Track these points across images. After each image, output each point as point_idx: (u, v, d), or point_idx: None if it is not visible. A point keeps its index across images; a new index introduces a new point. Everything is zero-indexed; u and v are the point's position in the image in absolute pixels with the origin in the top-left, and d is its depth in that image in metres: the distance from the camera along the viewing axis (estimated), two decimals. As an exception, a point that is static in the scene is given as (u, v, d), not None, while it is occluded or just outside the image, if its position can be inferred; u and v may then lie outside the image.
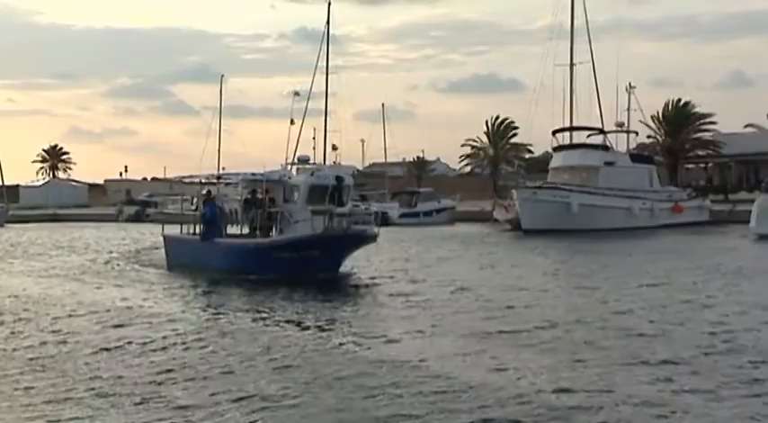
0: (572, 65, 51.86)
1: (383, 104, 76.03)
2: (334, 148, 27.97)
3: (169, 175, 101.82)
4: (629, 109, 54.81)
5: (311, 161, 23.24)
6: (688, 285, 18.03)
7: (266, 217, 21.39)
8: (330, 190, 20.83)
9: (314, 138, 27.39)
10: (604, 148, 49.07)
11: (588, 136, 50.89)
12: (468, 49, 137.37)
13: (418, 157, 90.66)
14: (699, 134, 67.72)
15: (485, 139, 78.66)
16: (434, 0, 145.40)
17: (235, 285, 18.75)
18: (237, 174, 25.20)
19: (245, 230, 22.72)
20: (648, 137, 65.77)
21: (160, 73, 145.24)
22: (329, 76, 61.13)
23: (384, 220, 33.80)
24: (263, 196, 22.06)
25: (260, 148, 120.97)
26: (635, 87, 55.61)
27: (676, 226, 43.91)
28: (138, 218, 65.55)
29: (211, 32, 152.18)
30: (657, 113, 67.19)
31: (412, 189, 64.98)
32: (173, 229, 25.89)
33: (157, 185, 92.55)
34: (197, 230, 23.23)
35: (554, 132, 50.35)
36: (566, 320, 13.22)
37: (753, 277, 19.66)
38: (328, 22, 61.81)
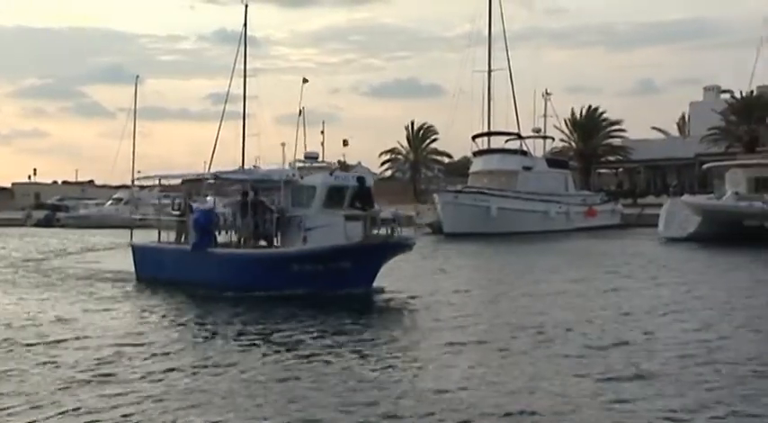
0: (489, 71, 53.16)
1: (303, 108, 75.45)
2: (345, 143, 24.15)
3: (82, 178, 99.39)
4: (545, 115, 56.48)
5: (320, 159, 19.68)
6: (604, 286, 18.65)
7: (270, 223, 18.22)
8: (350, 192, 17.99)
9: (322, 132, 21.68)
10: (522, 153, 50.29)
11: (506, 141, 52.11)
12: (389, 55, 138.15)
13: (339, 161, 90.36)
14: (609, 140, 70.38)
15: (405, 143, 79.42)
16: (355, 5, 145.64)
17: (242, 304, 15.68)
18: (235, 171, 21.92)
19: (234, 239, 19.38)
20: (561, 140, 67.90)
21: (73, 73, 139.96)
22: (249, 79, 60.60)
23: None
24: (257, 199, 18.80)
25: (178, 150, 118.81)
26: (551, 94, 57.34)
27: (590, 229, 45.43)
28: (48, 222, 63.23)
29: (127, 33, 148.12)
30: (570, 119, 69.48)
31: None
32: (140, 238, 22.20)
33: (68, 189, 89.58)
34: (183, 239, 19.74)
35: (473, 137, 51.34)
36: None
37: (662, 280, 20.51)
38: (245, 25, 61.20)
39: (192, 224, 18.96)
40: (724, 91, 69.77)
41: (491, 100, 52.78)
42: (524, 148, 51.09)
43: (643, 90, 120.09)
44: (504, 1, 56.76)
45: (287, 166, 20.05)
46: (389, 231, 17.41)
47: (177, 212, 20.65)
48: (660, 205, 40.73)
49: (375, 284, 17.48)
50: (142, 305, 16.20)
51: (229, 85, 62.06)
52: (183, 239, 19.86)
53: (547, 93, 57.19)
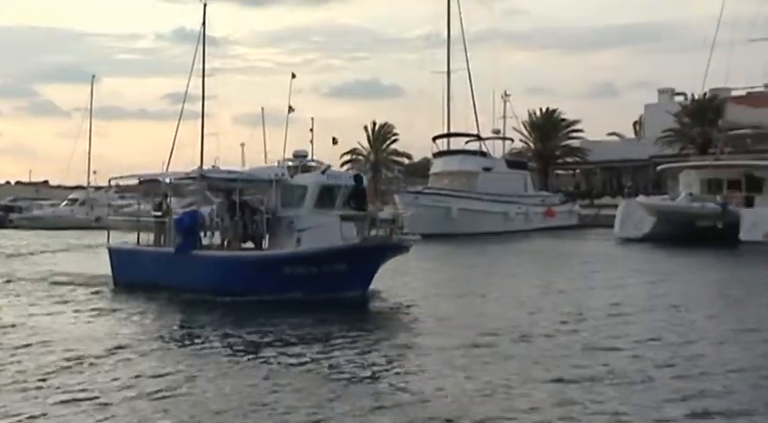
0: (449, 73, 53.51)
1: (263, 108, 75.26)
2: (335, 141, 21.71)
3: (36, 179, 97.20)
4: (504, 116, 57.07)
5: (309, 158, 18.83)
6: (564, 285, 18.97)
7: (260, 224, 17.54)
8: (344, 192, 17.37)
9: (311, 129, 20.58)
10: (482, 154, 50.70)
11: (466, 142, 52.48)
12: (350, 55, 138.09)
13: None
14: (567, 141, 71.33)
15: (366, 144, 79.46)
16: (315, 5, 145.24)
17: (228, 309, 15.26)
18: (221, 171, 21.22)
19: (218, 241, 18.55)
20: (520, 141, 68.63)
21: (27, 72, 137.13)
22: (207, 79, 60.06)
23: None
24: (242, 199, 18.12)
25: (135, 150, 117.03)
26: (510, 95, 57.93)
27: (549, 229, 46.01)
28: (0, 224, 61.71)
29: (84, 31, 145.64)
30: (528, 121, 70.26)
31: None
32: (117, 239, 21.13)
33: (22, 189, 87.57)
34: (164, 241, 18.83)
35: (434, 138, 51.58)
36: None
37: (621, 281, 21.03)
38: (204, 23, 60.72)
39: (175, 225, 18.08)
40: (678, 93, 71.23)
41: (450, 101, 53.19)
42: (484, 150, 51.52)
43: (600, 92, 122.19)
44: (463, 2, 57.12)
45: (275, 165, 19.40)
46: (388, 232, 16.71)
47: (159, 213, 19.64)
48: (616, 206, 41.43)
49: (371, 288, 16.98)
50: (121, 310, 15.54)
51: (188, 85, 61.53)
52: (162, 241, 19.02)
53: (506, 94, 57.84)
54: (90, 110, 67.93)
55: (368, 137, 79.39)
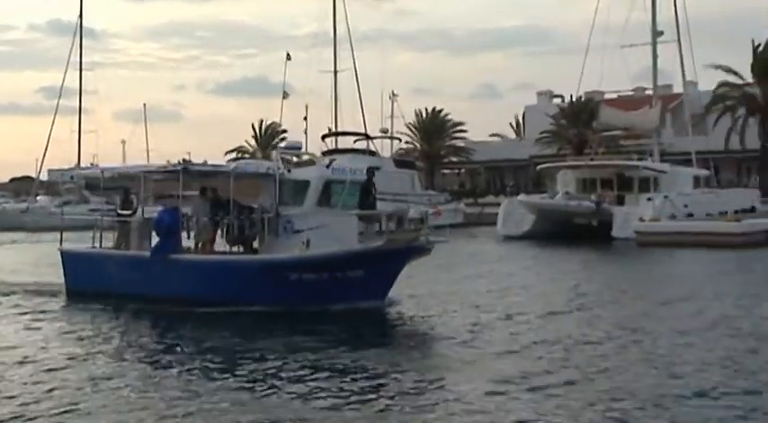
0: (336, 72, 53.81)
1: (144, 104, 73.17)
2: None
3: None
4: (392, 116, 57.92)
5: (303, 150, 16.86)
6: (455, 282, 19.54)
7: (253, 225, 15.52)
8: (353, 189, 15.60)
9: (305, 118, 18.88)
10: (371, 153, 51.22)
11: (355, 141, 52.89)
12: (237, 52, 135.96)
13: (184, 160, 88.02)
14: (452, 141, 73.12)
15: (253, 142, 78.61)
16: (200, 0, 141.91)
17: (216, 322, 13.53)
18: (208, 165, 17.96)
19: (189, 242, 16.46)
20: (407, 142, 69.78)
21: None
22: (86, 73, 57.73)
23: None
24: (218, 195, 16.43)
25: (7, 146, 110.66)
26: (397, 95, 58.89)
27: (436, 228, 46.92)
28: None
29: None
30: (415, 121, 71.57)
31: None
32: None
33: None
34: (128, 243, 16.84)
35: (322, 137, 51.71)
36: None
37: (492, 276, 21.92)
38: (81, 15, 58.37)
39: (154, 225, 16.02)
40: (556, 96, 74.37)
41: (338, 100, 53.51)
42: (373, 149, 52.08)
43: (484, 93, 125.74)
44: (351, 1, 57.52)
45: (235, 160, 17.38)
46: (414, 232, 15.03)
47: (128, 212, 17.67)
48: (499, 204, 42.84)
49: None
50: (77, 328, 13.40)
51: (63, 79, 58.97)
52: (126, 244, 16.93)
53: (393, 94, 58.77)
54: (-45, 104, 64.00)
55: (255, 135, 78.60)
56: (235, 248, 16.15)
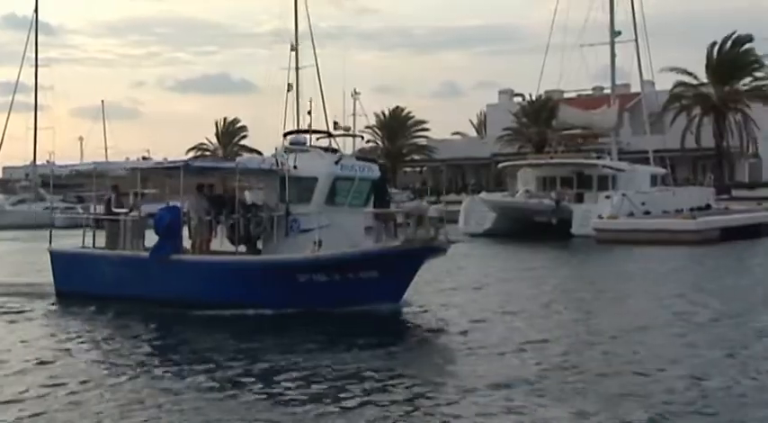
0: (297, 69, 53.62)
1: (102, 101, 72.15)
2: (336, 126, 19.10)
3: None
4: (354, 114, 57.91)
5: (307, 145, 16.50)
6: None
7: (258, 224, 14.85)
8: (363, 186, 15.09)
9: (309, 112, 18.04)
10: (334, 151, 51.09)
11: (317, 139, 52.67)
12: (197, 49, 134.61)
13: (143, 157, 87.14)
14: (414, 140, 73.45)
15: (214, 140, 78.02)
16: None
17: (222, 325, 12.99)
18: (212, 161, 17.90)
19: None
20: (368, 141, 69.93)
21: None
22: (41, 69, 56.74)
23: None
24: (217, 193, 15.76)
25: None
26: (360, 93, 58.83)
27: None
28: None
29: None
30: (377, 119, 71.78)
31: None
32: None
33: None
34: (121, 242, 16.00)
35: (285, 134, 51.35)
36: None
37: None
38: (36, 10, 57.32)
39: (154, 224, 15.20)
40: (517, 94, 75.07)
41: (299, 97, 53.31)
42: (335, 146, 51.98)
43: (446, 92, 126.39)
44: (313, -1, 57.29)
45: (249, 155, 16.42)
46: (433, 231, 14.22)
47: (125, 210, 17.00)
48: (461, 202, 43.13)
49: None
50: (70, 332, 12.85)
51: (19, 75, 57.99)
52: (118, 244, 16.14)
53: (356, 92, 58.74)
54: None
55: (216, 132, 77.99)
56: (234, 248, 15.32)
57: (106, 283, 15.64)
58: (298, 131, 62.17)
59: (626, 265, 24.50)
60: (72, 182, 19.19)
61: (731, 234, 32.02)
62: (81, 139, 72.59)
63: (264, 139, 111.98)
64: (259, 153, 77.92)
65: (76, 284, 16.19)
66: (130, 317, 13.93)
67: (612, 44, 43.96)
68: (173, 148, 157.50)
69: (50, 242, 17.47)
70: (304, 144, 16.48)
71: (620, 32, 44.18)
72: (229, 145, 77.57)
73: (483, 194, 43.19)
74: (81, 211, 30.32)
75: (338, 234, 14.23)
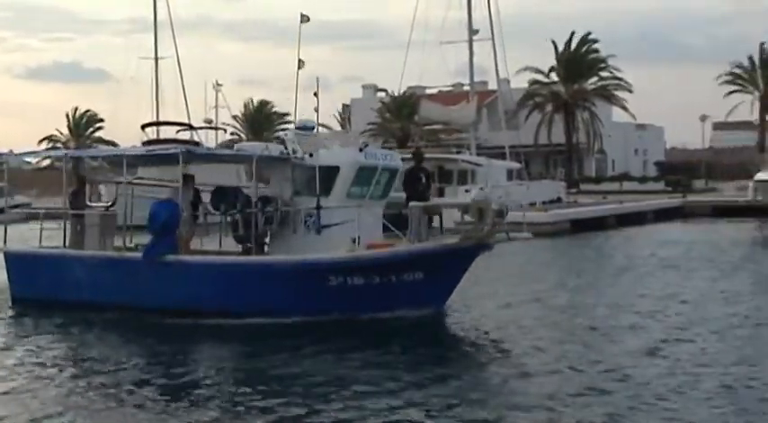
0: (156, 59, 51.94)
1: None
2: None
3: None
4: (216, 106, 56.78)
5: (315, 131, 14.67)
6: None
7: (271, 220, 13.27)
8: (388, 177, 13.69)
9: (315, 94, 14.85)
10: (195, 144, 49.95)
11: (177, 132, 51.14)
12: (48, 35, 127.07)
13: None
14: (278, 133, 72.98)
15: (66, 131, 74.15)
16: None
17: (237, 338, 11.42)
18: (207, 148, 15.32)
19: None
20: (233, 134, 68.84)
21: None
22: None
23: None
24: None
25: None
26: (222, 85, 57.77)
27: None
28: None
29: None
30: (241, 112, 70.85)
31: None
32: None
33: None
34: (95, 241, 14.11)
35: (143, 126, 49.46)
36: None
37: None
38: None
39: (148, 221, 13.43)
40: (380, 89, 76.18)
41: (158, 88, 51.73)
42: (196, 139, 50.71)
43: (312, 85, 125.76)
44: (174, -13, 55.59)
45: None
46: (490, 227, 12.47)
47: (103, 205, 14.74)
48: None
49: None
50: (42, 345, 11.12)
51: None
52: (80, 243, 14.43)
53: (218, 84, 57.59)
54: None
55: (68, 123, 74.11)
56: (233, 248, 13.98)
57: (80, 287, 13.70)
58: (158, 123, 60.25)
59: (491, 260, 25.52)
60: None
61: (580, 226, 34.13)
62: None
63: (123, 130, 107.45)
64: (115, 145, 75.22)
65: (39, 289, 14.23)
66: (115, 328, 12.32)
67: (471, 42, 45.46)
68: (21, 138, 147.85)
69: (5, 241, 15.55)
70: (313, 129, 14.79)
71: (477, 31, 45.78)
72: (83, 137, 73.91)
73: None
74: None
75: (361, 230, 12.74)
